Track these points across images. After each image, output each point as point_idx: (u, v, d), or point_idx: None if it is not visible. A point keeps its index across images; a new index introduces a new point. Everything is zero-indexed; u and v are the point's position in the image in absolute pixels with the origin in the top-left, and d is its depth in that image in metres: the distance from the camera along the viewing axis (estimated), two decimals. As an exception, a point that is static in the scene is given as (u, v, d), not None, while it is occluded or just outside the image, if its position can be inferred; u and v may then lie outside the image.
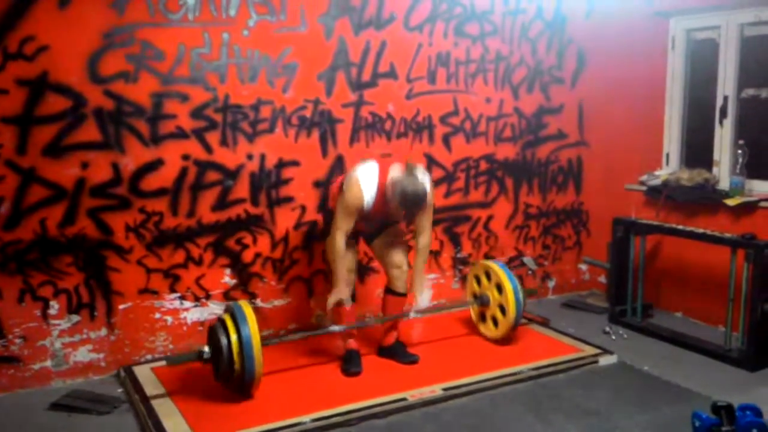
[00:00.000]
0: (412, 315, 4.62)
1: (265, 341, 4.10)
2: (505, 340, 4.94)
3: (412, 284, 4.55)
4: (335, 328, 4.46)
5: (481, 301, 5.02)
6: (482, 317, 5.10)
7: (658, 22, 5.73)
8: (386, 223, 4.54)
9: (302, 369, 4.55)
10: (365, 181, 4.20)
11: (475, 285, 5.14)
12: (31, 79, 4.14)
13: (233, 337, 3.92)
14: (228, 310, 4.12)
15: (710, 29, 5.46)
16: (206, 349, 4.05)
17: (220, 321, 4.05)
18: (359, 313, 5.21)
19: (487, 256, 5.87)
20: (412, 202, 4.10)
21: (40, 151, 4.21)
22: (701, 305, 5.55)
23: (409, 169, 4.16)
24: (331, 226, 4.34)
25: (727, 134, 5.34)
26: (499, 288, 4.87)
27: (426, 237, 4.48)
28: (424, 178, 4.21)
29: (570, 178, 6.29)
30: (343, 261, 4.29)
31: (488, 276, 5.01)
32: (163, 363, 4.57)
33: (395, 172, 4.21)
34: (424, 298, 4.58)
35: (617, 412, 4.03)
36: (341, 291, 4.31)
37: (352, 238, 4.42)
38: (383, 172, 4.24)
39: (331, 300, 4.32)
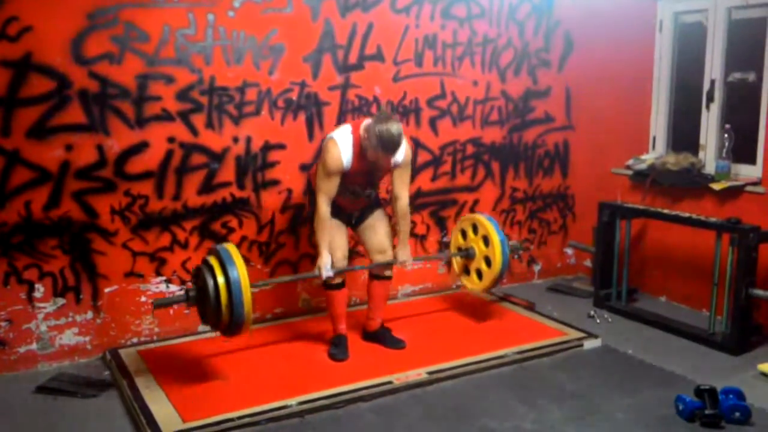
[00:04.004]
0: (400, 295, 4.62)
1: (254, 285, 3.99)
2: (486, 292, 5.02)
3: (398, 253, 4.55)
4: (323, 271, 4.32)
5: (467, 254, 4.97)
6: (466, 270, 5.07)
7: (646, 5, 5.73)
8: (370, 196, 4.52)
9: (288, 352, 4.56)
10: (341, 140, 4.21)
11: (461, 238, 5.08)
12: (14, 60, 4.10)
13: (220, 279, 3.79)
14: (213, 252, 3.96)
15: (698, 12, 5.46)
16: (192, 290, 3.96)
17: (205, 263, 3.91)
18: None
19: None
20: (389, 140, 4.04)
21: (24, 133, 4.18)
22: (686, 289, 5.59)
23: (382, 111, 4.15)
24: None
25: (713, 118, 5.36)
26: (486, 240, 4.85)
27: (404, 200, 4.47)
28: (397, 120, 4.17)
29: (556, 162, 6.30)
30: (327, 226, 4.27)
31: (475, 229, 4.95)
32: (149, 346, 4.59)
33: (368, 121, 4.21)
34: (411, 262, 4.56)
35: (601, 395, 4.06)
36: (326, 262, 4.27)
37: (341, 219, 4.42)
38: (356, 129, 4.25)
39: (321, 266, 4.25)
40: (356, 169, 4.27)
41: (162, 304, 4.08)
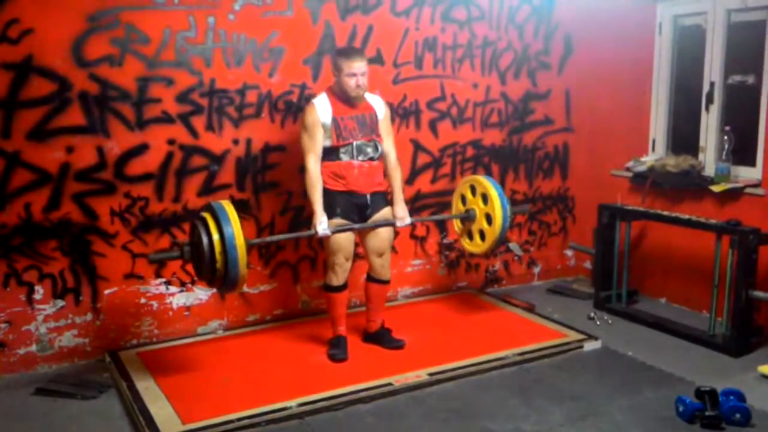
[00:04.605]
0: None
1: (248, 242, 3.91)
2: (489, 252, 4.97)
3: (395, 211, 4.55)
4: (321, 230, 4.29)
5: (467, 216, 4.84)
6: (469, 235, 4.94)
7: (646, 8, 5.73)
8: (377, 150, 4.46)
9: (288, 354, 4.56)
10: (317, 99, 4.38)
11: (460, 205, 4.94)
12: (15, 62, 4.12)
13: (215, 236, 3.71)
14: (207, 207, 3.89)
15: (697, 15, 5.47)
16: (187, 245, 3.89)
17: (200, 219, 3.83)
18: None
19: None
20: (348, 48, 4.36)
21: (25, 135, 4.19)
22: (686, 291, 5.59)
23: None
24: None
25: (713, 120, 5.36)
26: (485, 198, 4.72)
27: (392, 156, 4.56)
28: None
29: (556, 164, 6.30)
30: (319, 184, 4.30)
31: (473, 190, 4.82)
32: (149, 348, 4.59)
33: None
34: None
35: (601, 396, 4.05)
36: (320, 217, 4.25)
37: (348, 215, 4.38)
38: (329, 88, 4.43)
39: (317, 224, 4.23)
40: (340, 113, 4.32)
41: (157, 259, 4.08)
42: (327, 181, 4.35)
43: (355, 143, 4.35)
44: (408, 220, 4.59)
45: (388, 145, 4.54)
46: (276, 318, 5.14)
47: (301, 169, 4.98)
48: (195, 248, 3.83)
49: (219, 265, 3.73)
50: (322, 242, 4.50)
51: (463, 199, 4.94)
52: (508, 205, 4.69)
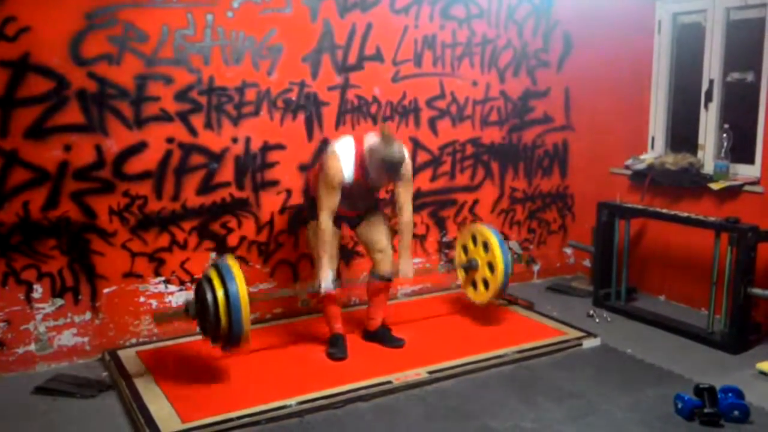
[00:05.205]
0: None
1: (252, 299, 3.99)
2: (494, 302, 4.98)
3: (400, 265, 4.53)
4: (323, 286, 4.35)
5: (470, 265, 4.95)
6: (473, 284, 5.03)
7: (645, 6, 5.73)
8: (368, 204, 4.53)
9: (288, 352, 4.56)
10: (343, 153, 4.20)
11: (463, 255, 5.08)
12: (12, 60, 4.10)
13: (219, 293, 3.81)
14: (214, 266, 4.00)
15: (696, 13, 5.47)
16: (192, 304, 3.97)
17: (206, 277, 3.94)
18: (345, 297, 5.24)
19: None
20: (392, 166, 4.08)
21: (23, 134, 4.17)
22: (685, 288, 5.59)
23: (385, 135, 4.15)
24: (315, 209, 4.30)
25: (712, 118, 5.36)
26: (486, 246, 4.83)
27: (408, 213, 4.46)
28: (400, 143, 4.19)
29: (555, 162, 6.30)
30: (329, 243, 4.25)
31: (474, 240, 4.96)
32: (148, 347, 4.58)
33: (371, 139, 4.21)
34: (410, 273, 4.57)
35: (600, 394, 4.05)
36: (326, 275, 4.26)
37: (335, 225, 4.38)
38: (359, 143, 4.25)
39: (319, 285, 4.25)
40: (357, 182, 4.26)
41: (162, 318, 4.08)
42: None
43: (351, 201, 4.38)
44: (410, 276, 4.59)
45: (404, 200, 4.44)
46: (276, 316, 5.13)
47: (301, 168, 5.02)
48: (201, 305, 3.91)
49: (224, 321, 3.82)
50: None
51: (465, 249, 5.07)
52: (509, 249, 4.84)
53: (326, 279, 4.25)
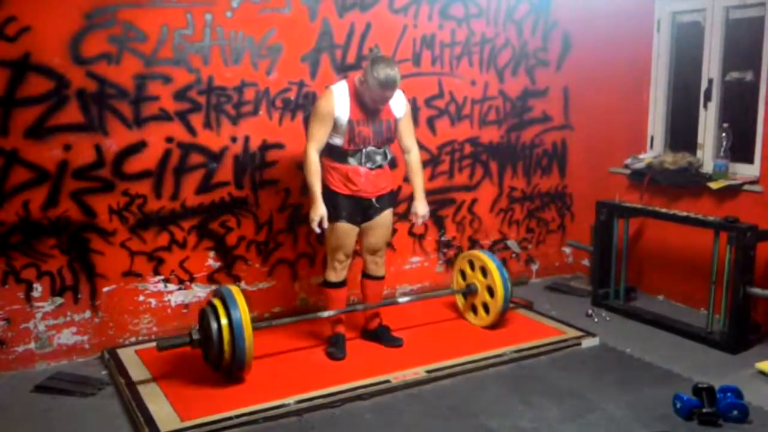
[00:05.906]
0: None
1: (255, 326, 4.05)
2: (496, 324, 4.95)
3: (416, 206, 4.54)
4: (324, 314, 4.46)
5: (469, 290, 5.02)
6: (473, 309, 5.09)
7: (644, 5, 5.73)
8: (383, 158, 4.41)
9: (286, 351, 4.56)
10: (336, 87, 4.27)
11: (461, 279, 5.16)
12: (13, 60, 4.10)
13: (223, 321, 3.89)
14: (217, 294, 4.09)
15: (696, 12, 5.46)
16: (196, 332, 4.03)
17: (210, 305, 4.02)
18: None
19: (471, 239, 5.89)
20: (386, 78, 4.07)
21: (23, 133, 4.18)
22: (684, 288, 5.59)
23: (376, 54, 4.19)
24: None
25: (711, 117, 5.36)
26: (484, 271, 4.89)
27: (415, 152, 4.52)
28: (393, 61, 4.20)
29: (554, 162, 6.30)
30: (318, 171, 4.25)
31: (472, 265, 5.03)
32: (147, 345, 4.58)
33: (365, 64, 4.26)
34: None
35: (599, 393, 4.06)
36: (319, 207, 4.21)
37: (352, 216, 4.36)
38: (351, 79, 4.31)
39: (313, 217, 4.20)
40: (357, 117, 4.24)
41: (166, 346, 4.09)
42: (334, 182, 4.32)
43: (365, 150, 4.31)
44: (426, 218, 4.61)
45: (409, 142, 4.50)
46: (274, 315, 5.14)
47: (299, 167, 5.00)
48: (204, 333, 3.99)
49: (227, 350, 3.89)
50: (321, 238, 4.49)
51: (463, 274, 5.12)
52: (508, 276, 4.86)
53: (321, 216, 4.19)
